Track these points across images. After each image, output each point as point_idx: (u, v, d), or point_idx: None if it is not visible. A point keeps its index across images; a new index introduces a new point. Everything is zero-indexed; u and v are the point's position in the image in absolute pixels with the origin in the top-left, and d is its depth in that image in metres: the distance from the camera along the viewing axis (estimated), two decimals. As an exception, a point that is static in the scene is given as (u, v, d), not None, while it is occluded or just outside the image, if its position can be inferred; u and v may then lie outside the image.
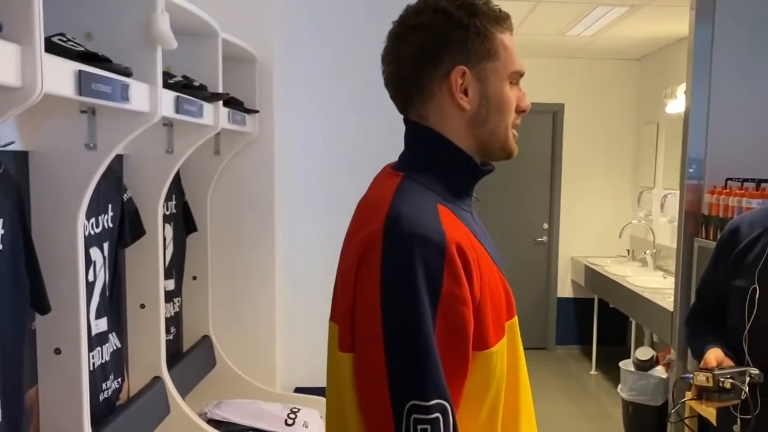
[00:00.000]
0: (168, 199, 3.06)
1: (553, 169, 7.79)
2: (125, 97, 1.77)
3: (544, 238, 7.86)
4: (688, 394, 2.07)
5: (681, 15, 4.90)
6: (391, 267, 1.29)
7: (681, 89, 5.37)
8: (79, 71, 1.52)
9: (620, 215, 7.53)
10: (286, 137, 3.94)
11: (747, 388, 1.98)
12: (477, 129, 1.45)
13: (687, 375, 2.06)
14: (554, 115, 7.74)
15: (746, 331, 2.13)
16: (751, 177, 3.95)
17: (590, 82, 7.67)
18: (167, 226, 3.08)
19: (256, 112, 3.51)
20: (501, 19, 1.45)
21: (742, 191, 3.88)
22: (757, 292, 2.13)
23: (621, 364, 5.30)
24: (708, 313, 2.35)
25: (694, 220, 4.35)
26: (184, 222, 3.30)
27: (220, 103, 2.80)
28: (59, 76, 1.47)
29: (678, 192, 4.52)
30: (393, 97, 1.49)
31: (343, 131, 4.05)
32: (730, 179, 4.23)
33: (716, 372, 1.98)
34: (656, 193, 7.00)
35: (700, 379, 2.01)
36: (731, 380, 1.96)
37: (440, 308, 1.28)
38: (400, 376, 1.26)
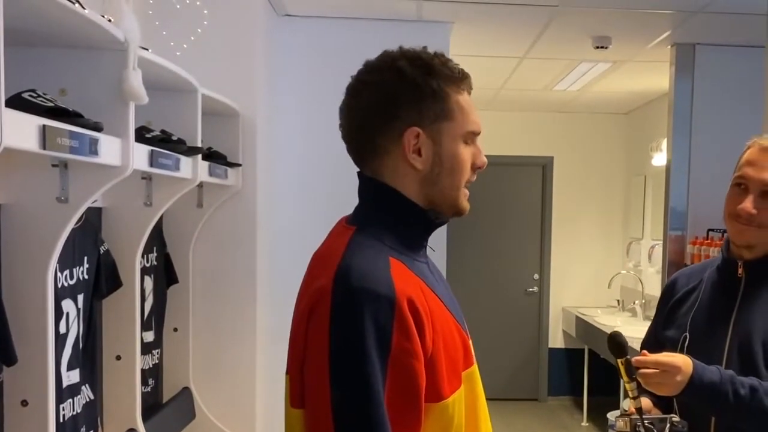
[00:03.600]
0: (149, 251, 3.08)
1: (543, 221, 7.83)
2: (94, 152, 1.80)
3: (535, 289, 7.87)
4: None
5: (663, 70, 4.99)
6: (339, 322, 1.29)
7: (665, 142, 5.44)
8: (44, 126, 1.56)
9: (610, 266, 7.54)
10: (269, 190, 3.98)
11: None
12: (429, 188, 1.46)
13: (612, 422, 2.06)
14: (544, 167, 7.80)
15: None
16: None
17: (579, 135, 7.75)
18: (147, 277, 3.09)
19: (239, 165, 3.55)
20: (458, 80, 1.46)
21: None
22: (687, 340, 2.15)
23: (609, 415, 5.26)
24: None
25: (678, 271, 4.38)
26: (165, 274, 3.32)
27: (199, 156, 2.83)
28: (22, 131, 1.50)
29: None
30: (348, 150, 1.50)
31: (326, 185, 4.09)
32: (712, 230, 4.27)
33: (633, 417, 1.98)
34: (645, 243, 7.03)
35: (620, 425, 2.01)
36: (648, 425, 1.96)
37: (390, 363, 1.28)
38: None
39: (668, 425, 2.00)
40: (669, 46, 4.74)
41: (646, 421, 1.97)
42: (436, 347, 1.36)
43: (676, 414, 2.09)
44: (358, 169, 1.52)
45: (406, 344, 1.29)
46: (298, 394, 1.35)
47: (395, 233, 1.45)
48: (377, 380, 1.27)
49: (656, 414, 2.10)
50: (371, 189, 1.49)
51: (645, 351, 2.04)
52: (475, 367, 1.51)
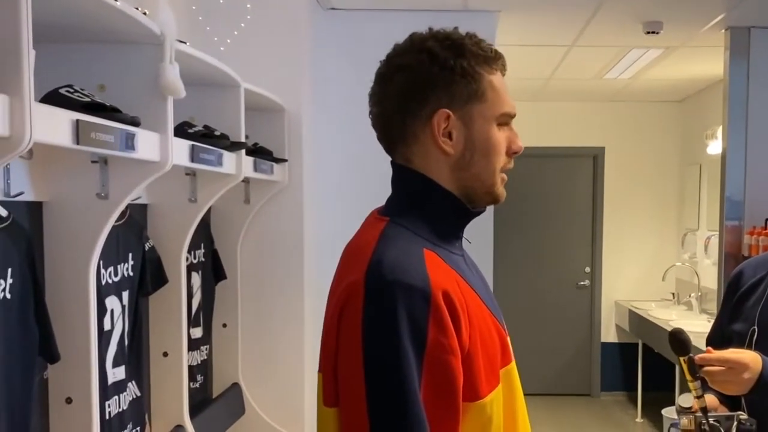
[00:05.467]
0: (196, 247, 3.08)
1: (594, 212, 7.71)
2: (131, 147, 1.79)
3: (587, 282, 7.75)
4: None
5: (717, 55, 4.86)
6: (372, 318, 1.25)
7: (721, 130, 5.31)
8: (77, 121, 1.55)
9: (664, 258, 7.39)
10: (316, 185, 3.96)
11: None
12: (461, 173, 1.41)
13: (676, 420, 1.99)
14: (595, 158, 7.68)
15: None
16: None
17: (631, 124, 7.61)
18: (195, 273, 3.09)
19: (285, 161, 3.53)
20: (491, 60, 1.41)
21: (781, 232, 3.79)
22: (756, 334, 2.07)
23: (664, 411, 5.16)
24: None
25: (735, 262, 4.27)
26: (213, 270, 3.32)
27: (243, 152, 2.82)
28: (54, 126, 1.49)
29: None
30: (379, 138, 1.47)
31: (371, 179, 4.05)
32: (770, 219, 4.15)
33: (697, 415, 1.91)
34: (700, 234, 6.88)
35: (684, 422, 1.94)
36: (713, 423, 1.89)
37: (426, 359, 1.24)
38: (383, 431, 1.23)
39: (735, 423, 1.92)
40: (723, 30, 4.61)
41: (711, 419, 1.90)
42: (473, 343, 1.31)
43: (743, 412, 2.02)
44: (390, 158, 1.48)
45: (443, 339, 1.25)
46: (331, 392, 1.32)
47: (429, 224, 1.41)
48: (413, 376, 1.23)
49: (722, 412, 2.03)
50: (403, 177, 1.45)
51: (709, 348, 1.98)
52: (513, 365, 1.46)
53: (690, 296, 6.76)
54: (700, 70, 5.98)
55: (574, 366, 7.74)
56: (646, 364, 7.02)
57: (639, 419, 6.95)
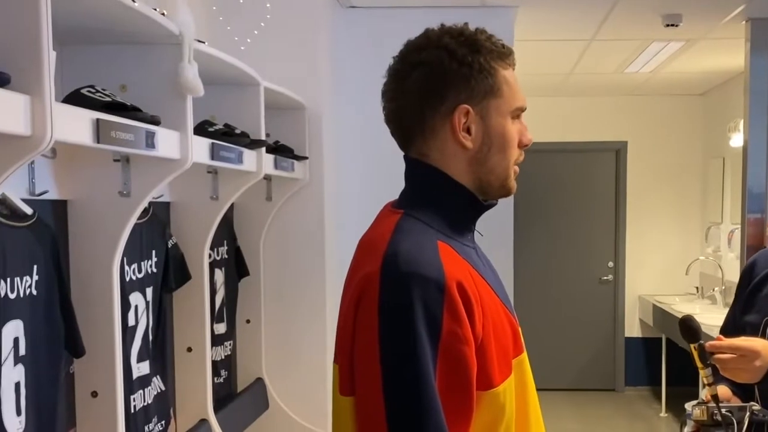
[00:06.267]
0: (219, 244, 3.12)
1: (617, 207, 7.68)
2: (151, 145, 1.82)
3: (610, 277, 7.73)
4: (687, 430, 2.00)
5: (739, 47, 4.84)
6: (388, 308, 1.28)
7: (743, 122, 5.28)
8: (97, 120, 1.58)
9: (688, 252, 7.36)
10: (336, 182, 3.99)
11: (746, 422, 1.89)
12: (477, 167, 1.44)
13: (689, 411, 1.99)
14: (617, 152, 7.65)
15: None
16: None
17: (654, 118, 7.58)
18: (218, 270, 3.13)
19: (305, 158, 3.57)
20: (504, 55, 1.44)
21: (803, 224, 3.78)
22: None
23: (687, 405, 5.15)
24: None
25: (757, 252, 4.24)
26: (236, 266, 3.36)
27: (263, 149, 2.85)
28: (75, 125, 1.53)
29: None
30: (393, 133, 1.49)
31: (391, 176, 4.06)
32: (792, 212, 4.13)
33: (710, 405, 1.91)
34: (724, 228, 6.84)
35: (696, 413, 1.94)
36: (725, 413, 1.88)
37: (441, 349, 1.26)
38: (399, 421, 1.25)
39: (748, 413, 1.92)
40: (743, 22, 4.58)
41: (723, 410, 1.90)
42: (486, 333, 1.33)
43: (757, 402, 2.02)
44: (403, 153, 1.50)
45: (457, 329, 1.27)
46: (347, 381, 1.35)
47: (442, 216, 1.43)
48: (428, 366, 1.25)
49: (735, 402, 2.03)
50: (418, 171, 1.47)
51: (720, 336, 1.98)
52: (524, 356, 1.48)
53: (714, 290, 6.73)
54: (722, 62, 5.94)
55: (598, 361, 7.72)
56: (670, 359, 6.99)
57: (663, 414, 6.93)
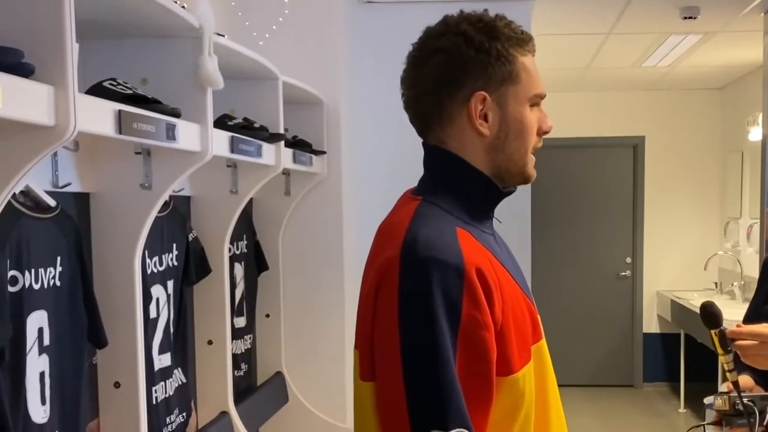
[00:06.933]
0: (238, 239, 3.14)
1: (635, 202, 7.66)
2: (172, 137, 1.84)
3: (628, 273, 7.71)
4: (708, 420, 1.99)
5: (757, 40, 4.82)
6: (408, 293, 1.28)
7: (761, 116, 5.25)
8: (119, 111, 1.60)
9: (706, 247, 7.33)
10: (354, 177, 4.00)
11: None
12: (495, 154, 1.44)
13: (710, 402, 1.98)
14: (635, 147, 7.63)
15: None
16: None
17: (672, 113, 7.55)
18: (238, 264, 3.15)
19: (324, 153, 3.58)
20: (523, 42, 1.43)
21: (823, 217, 3.76)
22: None
23: (705, 400, 5.13)
24: None
25: (778, 244, 4.23)
26: (255, 261, 3.38)
27: (282, 143, 2.87)
28: (98, 116, 1.54)
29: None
30: (412, 120, 1.49)
31: (409, 171, 4.07)
32: (811, 205, 4.11)
33: (732, 394, 1.90)
34: (743, 223, 6.81)
35: (718, 403, 1.93)
36: (747, 403, 1.87)
37: (461, 334, 1.26)
38: (419, 405, 1.25)
39: None
40: (762, 14, 4.56)
41: (746, 399, 1.89)
42: (506, 318, 1.34)
43: None
44: (422, 140, 1.51)
45: (476, 314, 1.28)
46: (367, 366, 1.35)
47: (461, 203, 1.44)
48: (448, 351, 1.25)
49: (758, 392, 2.02)
50: (436, 158, 1.48)
51: (740, 323, 1.97)
52: (543, 342, 1.48)
53: (733, 285, 6.69)
54: (740, 55, 5.91)
55: (617, 357, 7.70)
56: (689, 355, 6.96)
57: (682, 410, 6.91)
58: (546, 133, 1.48)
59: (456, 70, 1.40)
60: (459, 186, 1.45)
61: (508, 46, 1.41)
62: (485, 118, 1.42)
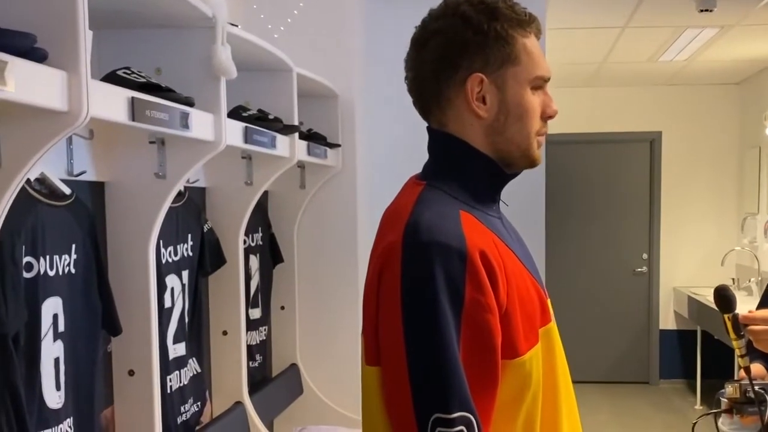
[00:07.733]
0: (254, 231, 3.16)
1: (651, 198, 7.62)
2: (185, 125, 1.85)
3: (644, 269, 7.67)
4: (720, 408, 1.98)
5: (775, 34, 4.79)
6: (410, 277, 1.28)
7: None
8: (132, 98, 1.61)
9: (723, 243, 7.28)
10: (369, 170, 4.00)
11: None
12: (495, 137, 1.42)
13: (722, 390, 1.97)
14: (651, 143, 7.59)
15: None
16: None
17: (689, 108, 7.51)
18: (253, 257, 3.17)
19: (338, 146, 3.59)
20: (524, 22, 1.41)
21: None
22: None
23: (718, 394, 5.10)
24: None
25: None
26: (271, 253, 3.39)
27: (296, 135, 2.87)
28: (111, 103, 1.56)
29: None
30: (414, 103, 1.49)
31: (422, 164, 4.08)
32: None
33: (743, 382, 1.88)
34: (760, 218, 6.76)
35: (729, 390, 1.92)
36: (759, 390, 1.85)
37: (464, 317, 1.26)
38: (422, 389, 1.25)
39: None
40: (780, 7, 4.54)
41: (757, 387, 1.88)
42: (511, 301, 1.33)
43: None
44: (426, 124, 1.50)
45: (479, 297, 1.27)
46: (373, 351, 1.35)
47: (465, 186, 1.42)
48: (451, 333, 1.25)
49: None
50: (439, 142, 1.47)
51: (752, 309, 1.96)
52: (553, 324, 1.47)
53: (750, 281, 6.65)
54: (758, 49, 5.87)
55: (633, 354, 7.67)
56: (706, 352, 6.92)
57: (698, 406, 6.87)
58: (551, 117, 1.46)
59: (453, 52, 1.39)
60: (461, 168, 1.44)
61: (508, 27, 1.39)
62: (483, 100, 1.40)
